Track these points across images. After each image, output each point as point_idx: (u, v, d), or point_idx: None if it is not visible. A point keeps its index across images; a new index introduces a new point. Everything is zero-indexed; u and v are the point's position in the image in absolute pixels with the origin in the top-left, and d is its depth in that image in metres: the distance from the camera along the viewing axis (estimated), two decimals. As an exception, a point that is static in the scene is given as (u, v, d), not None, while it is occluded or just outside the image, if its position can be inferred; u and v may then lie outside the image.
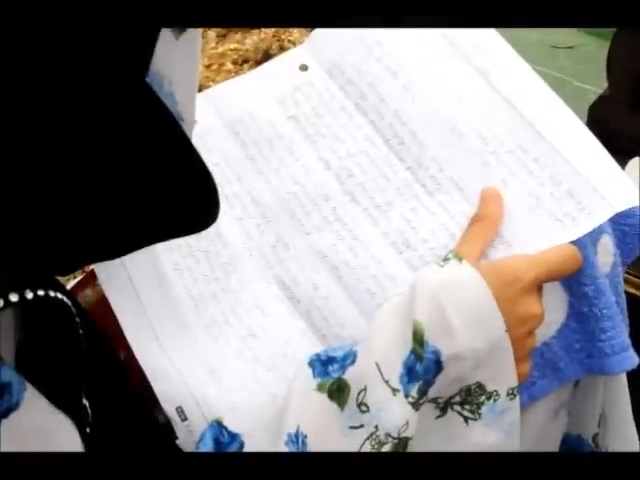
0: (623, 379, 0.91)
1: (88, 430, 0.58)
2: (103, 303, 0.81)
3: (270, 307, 0.81)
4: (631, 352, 0.83)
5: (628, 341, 0.83)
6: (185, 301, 0.81)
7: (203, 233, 0.81)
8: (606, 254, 0.83)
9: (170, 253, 0.83)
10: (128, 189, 0.49)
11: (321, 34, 0.91)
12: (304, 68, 0.90)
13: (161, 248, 0.83)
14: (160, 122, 0.50)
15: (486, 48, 0.85)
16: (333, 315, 0.79)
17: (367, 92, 0.86)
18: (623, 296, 0.87)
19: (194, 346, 0.80)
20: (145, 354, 0.79)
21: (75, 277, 0.92)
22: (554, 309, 0.80)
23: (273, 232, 0.84)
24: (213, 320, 0.81)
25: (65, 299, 0.55)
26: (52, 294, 0.53)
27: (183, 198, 0.53)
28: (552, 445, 0.89)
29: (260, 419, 0.72)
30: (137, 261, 0.82)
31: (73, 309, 0.56)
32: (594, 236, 0.81)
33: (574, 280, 0.80)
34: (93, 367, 0.59)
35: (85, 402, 0.58)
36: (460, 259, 0.72)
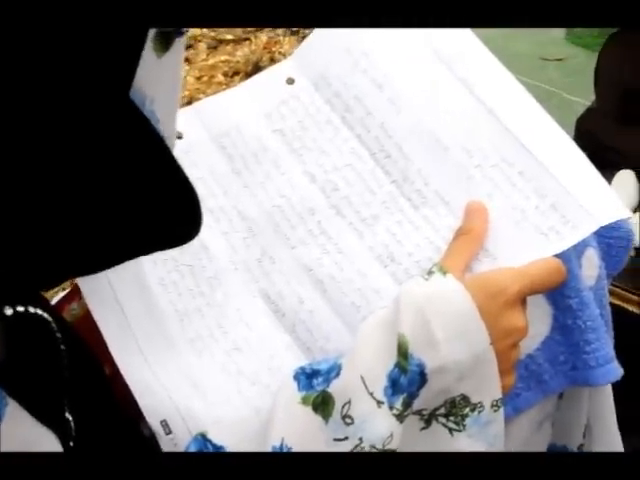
0: (608, 390, 0.92)
1: (71, 444, 0.58)
2: (89, 317, 0.81)
3: (255, 321, 0.81)
4: (615, 364, 0.83)
5: (612, 353, 0.84)
6: (170, 315, 0.81)
7: (188, 247, 0.82)
8: (591, 267, 0.84)
9: (155, 267, 0.83)
10: (112, 203, 0.50)
11: (309, 46, 0.91)
12: (290, 82, 0.90)
13: (146, 262, 0.83)
14: (144, 137, 0.50)
15: (472, 60, 0.85)
16: (318, 329, 0.80)
17: (353, 105, 0.86)
18: (608, 308, 0.88)
19: (178, 360, 0.80)
20: (129, 368, 0.79)
21: (64, 289, 0.92)
22: (538, 322, 0.80)
23: (259, 246, 0.84)
24: (198, 334, 0.81)
25: (46, 315, 0.55)
26: (32, 310, 0.53)
27: (166, 211, 0.53)
28: (537, 457, 0.90)
29: (245, 431, 0.72)
30: (122, 276, 0.82)
31: (54, 325, 0.56)
32: (579, 249, 0.81)
33: (558, 293, 0.80)
34: (77, 382, 0.59)
35: (68, 416, 0.58)
36: (444, 272, 0.72)
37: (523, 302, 0.74)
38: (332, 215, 0.83)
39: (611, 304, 0.90)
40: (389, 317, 0.72)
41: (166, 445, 0.76)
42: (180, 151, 0.86)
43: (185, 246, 0.81)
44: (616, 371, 0.83)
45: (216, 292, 0.83)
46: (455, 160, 0.81)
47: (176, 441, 0.76)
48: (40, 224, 0.48)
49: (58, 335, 0.57)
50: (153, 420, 0.76)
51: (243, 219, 0.85)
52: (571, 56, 1.99)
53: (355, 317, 0.78)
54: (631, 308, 1.27)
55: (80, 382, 0.61)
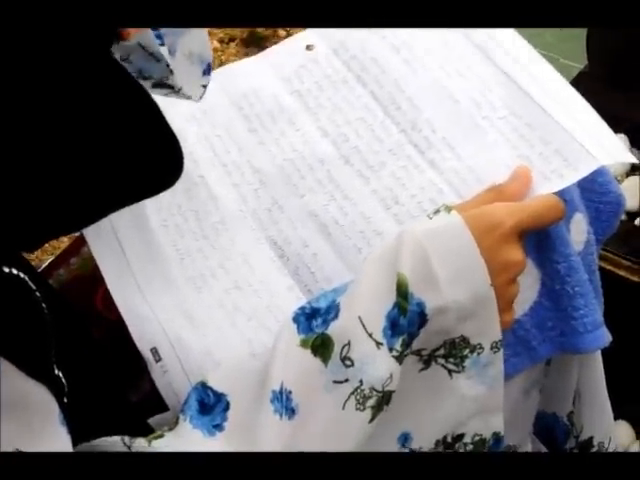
0: (598, 357, 0.92)
1: (65, 400, 0.58)
2: (76, 282, 0.82)
3: (259, 264, 0.83)
4: (604, 330, 0.83)
5: (601, 319, 0.83)
6: (170, 254, 0.84)
7: (194, 195, 0.85)
8: (579, 232, 0.84)
9: (159, 212, 0.86)
10: (98, 151, 0.54)
11: None
12: (310, 48, 0.93)
13: (149, 208, 0.85)
14: (124, 85, 0.54)
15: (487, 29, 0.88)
16: (320, 271, 0.81)
17: (369, 65, 0.90)
18: (597, 274, 0.87)
19: (176, 295, 0.82)
20: (125, 302, 0.81)
21: (53, 254, 0.92)
22: (526, 287, 0.80)
23: (269, 196, 0.86)
24: (199, 273, 0.83)
25: (22, 275, 0.55)
26: (7, 270, 0.53)
27: (151, 157, 0.57)
28: (525, 424, 0.90)
29: (244, 376, 0.71)
30: (123, 218, 0.84)
31: (31, 284, 0.56)
32: (567, 214, 0.81)
33: (546, 258, 0.80)
34: (62, 341, 0.59)
35: (58, 373, 0.58)
36: (450, 210, 0.72)
37: (520, 237, 0.74)
38: (341, 165, 0.86)
39: (602, 269, 0.89)
40: (388, 256, 0.71)
41: (156, 373, 0.77)
42: (198, 111, 0.91)
43: (192, 195, 0.84)
44: (605, 337, 0.83)
45: (221, 237, 0.85)
46: (464, 111, 0.84)
47: (166, 368, 0.77)
48: (28, 175, 0.51)
49: (37, 294, 0.56)
50: (144, 348, 0.78)
51: (255, 172, 0.88)
52: (568, 21, 1.99)
53: (356, 259, 0.80)
54: (622, 273, 1.27)
55: (66, 342, 0.61)
